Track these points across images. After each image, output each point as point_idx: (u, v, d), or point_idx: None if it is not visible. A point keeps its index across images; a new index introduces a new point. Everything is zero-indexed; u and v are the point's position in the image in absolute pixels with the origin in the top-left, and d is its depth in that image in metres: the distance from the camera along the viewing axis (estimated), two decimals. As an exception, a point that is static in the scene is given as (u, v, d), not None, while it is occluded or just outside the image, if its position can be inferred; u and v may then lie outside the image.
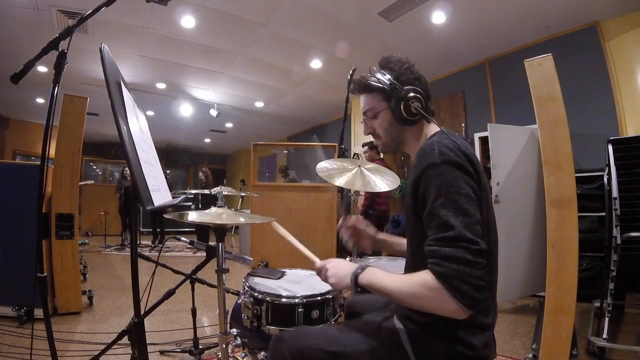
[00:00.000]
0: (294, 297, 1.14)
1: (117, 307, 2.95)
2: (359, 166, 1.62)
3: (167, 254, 5.74)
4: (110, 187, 7.97)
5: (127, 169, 6.03)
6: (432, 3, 3.29)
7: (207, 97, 6.21)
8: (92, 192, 7.67)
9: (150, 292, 1.40)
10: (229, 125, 8.29)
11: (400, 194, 4.82)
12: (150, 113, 6.93)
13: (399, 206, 5.33)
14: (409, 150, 1.04)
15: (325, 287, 1.21)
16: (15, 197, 2.52)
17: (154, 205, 0.98)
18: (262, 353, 1.23)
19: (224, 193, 1.31)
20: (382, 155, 4.02)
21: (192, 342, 2.02)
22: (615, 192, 2.24)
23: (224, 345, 1.11)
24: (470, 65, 4.65)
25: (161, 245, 6.13)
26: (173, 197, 1.41)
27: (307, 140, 8.27)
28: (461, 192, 0.76)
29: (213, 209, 1.21)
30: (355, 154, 5.63)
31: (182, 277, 1.77)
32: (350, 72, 1.60)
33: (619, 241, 2.15)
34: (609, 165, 2.36)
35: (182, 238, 1.82)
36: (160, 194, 1.12)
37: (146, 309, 1.41)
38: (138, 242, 2.33)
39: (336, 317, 1.24)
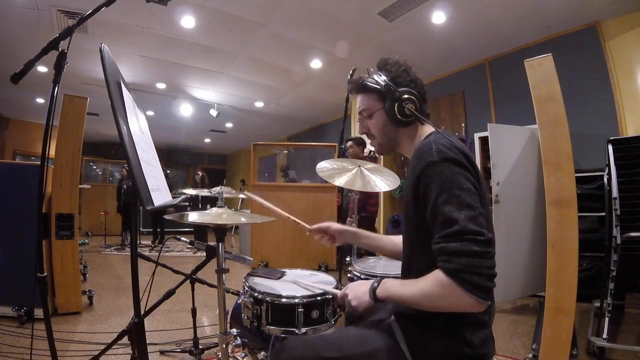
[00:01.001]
0: (294, 297, 1.14)
1: (117, 307, 2.95)
2: (359, 166, 1.62)
3: (167, 254, 5.74)
4: (110, 187, 7.96)
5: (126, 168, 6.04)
6: (432, 3, 3.29)
7: (207, 97, 6.21)
8: (92, 192, 7.68)
9: (150, 292, 1.40)
10: (229, 125, 8.30)
11: (400, 194, 4.83)
12: (150, 113, 6.93)
13: (399, 206, 5.33)
14: (403, 151, 1.04)
15: (325, 287, 1.21)
16: (15, 197, 2.52)
17: (154, 205, 0.98)
18: (262, 353, 1.23)
19: (224, 195, 1.31)
20: (365, 153, 3.87)
21: (192, 342, 2.02)
22: (615, 192, 2.24)
23: (224, 345, 1.11)
24: (470, 65, 4.65)
25: (161, 245, 6.13)
26: (173, 197, 1.41)
27: (307, 140, 8.28)
28: (462, 187, 0.76)
29: (213, 209, 1.20)
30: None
31: (182, 277, 1.76)
32: (350, 72, 1.61)
33: (619, 241, 2.15)
34: (609, 165, 2.36)
35: (182, 238, 1.82)
36: (160, 194, 1.12)
37: (146, 309, 1.41)
38: (138, 242, 2.33)
39: (336, 317, 1.24)
